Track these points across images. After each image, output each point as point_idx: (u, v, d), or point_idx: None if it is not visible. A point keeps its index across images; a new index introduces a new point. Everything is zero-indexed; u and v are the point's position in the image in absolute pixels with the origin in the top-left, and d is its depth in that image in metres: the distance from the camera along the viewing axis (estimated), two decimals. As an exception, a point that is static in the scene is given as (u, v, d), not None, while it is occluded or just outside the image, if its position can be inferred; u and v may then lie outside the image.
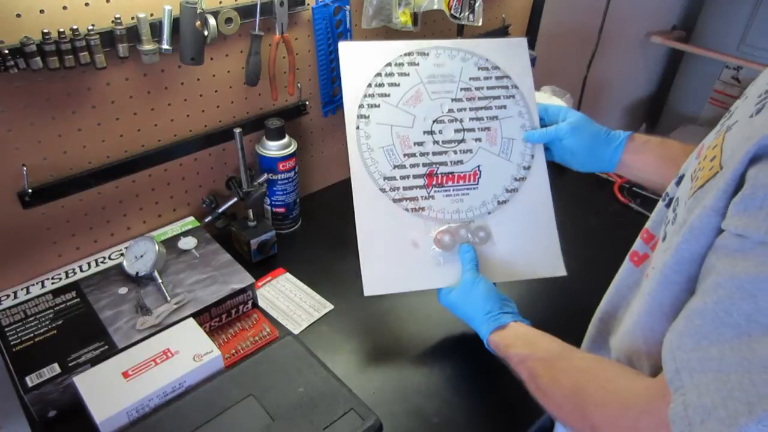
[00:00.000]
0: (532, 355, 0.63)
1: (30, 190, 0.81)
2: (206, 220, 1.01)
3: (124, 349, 0.75)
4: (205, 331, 0.79)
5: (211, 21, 0.86)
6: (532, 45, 1.52)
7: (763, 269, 0.38)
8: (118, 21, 0.78)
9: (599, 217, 1.18)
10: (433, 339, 0.88)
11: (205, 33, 0.85)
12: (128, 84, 0.86)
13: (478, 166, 0.83)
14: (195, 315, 0.82)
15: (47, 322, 0.79)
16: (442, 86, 0.85)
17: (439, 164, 0.82)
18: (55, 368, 0.72)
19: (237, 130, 0.91)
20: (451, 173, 0.82)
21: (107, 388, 0.69)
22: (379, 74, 0.83)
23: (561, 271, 0.83)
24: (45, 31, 0.72)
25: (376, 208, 0.79)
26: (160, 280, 0.86)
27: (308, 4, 1.00)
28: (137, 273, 0.86)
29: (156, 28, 0.82)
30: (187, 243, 0.95)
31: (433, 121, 0.83)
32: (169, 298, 0.84)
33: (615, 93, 2.29)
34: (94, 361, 0.73)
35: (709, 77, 2.27)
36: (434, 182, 0.82)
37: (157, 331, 0.78)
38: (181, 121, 0.95)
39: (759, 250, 0.38)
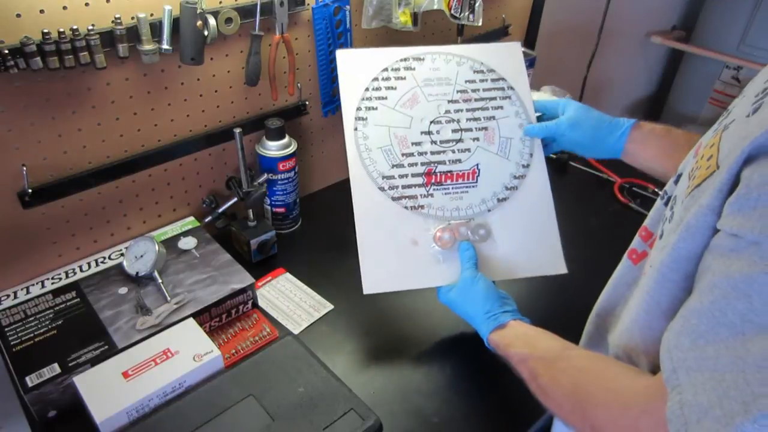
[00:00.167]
0: (532, 354, 0.63)
1: (30, 190, 0.81)
2: (206, 220, 1.01)
3: (124, 349, 0.75)
4: (205, 331, 0.79)
5: (211, 21, 0.86)
6: (532, 45, 1.52)
7: (756, 269, 0.38)
8: (118, 21, 0.78)
9: (599, 217, 1.18)
10: (433, 339, 0.88)
11: (205, 33, 0.85)
12: (128, 84, 0.86)
13: (477, 165, 0.83)
14: (195, 315, 0.82)
15: (47, 322, 0.79)
16: (438, 89, 0.86)
17: (437, 163, 0.82)
18: (55, 368, 0.72)
19: (237, 130, 0.91)
20: (450, 172, 0.83)
21: (107, 388, 0.69)
22: (376, 79, 0.85)
23: (562, 268, 0.83)
24: (45, 31, 0.72)
25: (375, 207, 0.79)
26: (160, 280, 0.86)
27: (308, 4, 1.00)
28: (137, 273, 0.86)
29: (156, 28, 0.82)
30: (187, 243, 0.95)
31: (431, 122, 0.84)
32: (169, 298, 0.84)
33: (615, 93, 2.29)
34: (94, 361, 0.73)
35: (709, 77, 2.27)
36: (433, 180, 0.82)
37: (157, 331, 0.78)
38: (181, 121, 0.95)
39: (753, 250, 0.38)
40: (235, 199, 1.00)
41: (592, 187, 1.28)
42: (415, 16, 1.11)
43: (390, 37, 1.16)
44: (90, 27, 0.75)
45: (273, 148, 1.01)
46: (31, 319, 0.80)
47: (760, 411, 0.36)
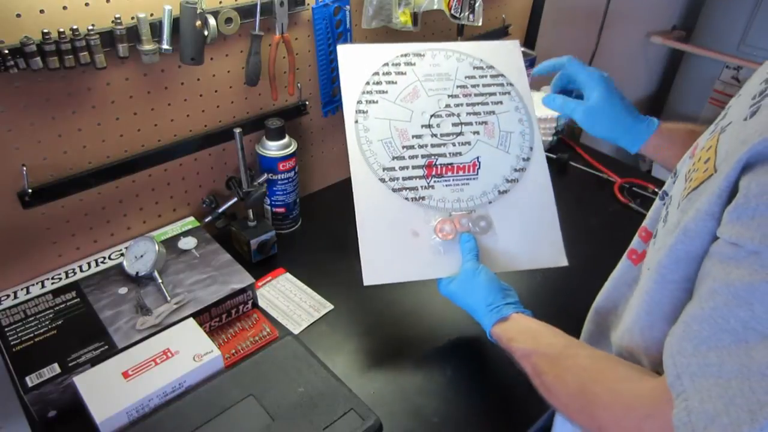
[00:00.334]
0: (536, 350, 0.62)
1: (30, 190, 0.81)
2: (206, 220, 1.01)
3: (124, 349, 0.75)
4: (205, 331, 0.79)
5: (211, 21, 0.86)
6: (532, 45, 1.52)
7: (757, 278, 0.38)
8: (118, 21, 0.78)
9: (599, 217, 1.18)
10: (433, 339, 0.88)
11: (205, 33, 0.85)
12: (128, 84, 0.86)
13: (477, 158, 0.84)
14: (195, 315, 0.82)
15: (47, 322, 0.79)
16: (438, 84, 0.86)
17: (437, 156, 0.83)
18: (55, 368, 0.72)
19: (237, 130, 0.91)
20: (451, 164, 0.83)
21: (107, 388, 0.69)
22: (376, 73, 0.85)
23: (562, 261, 0.82)
24: (45, 31, 0.72)
25: (375, 197, 0.79)
26: (160, 280, 0.86)
27: (308, 4, 1.00)
28: (137, 273, 0.86)
29: (156, 28, 0.82)
30: (187, 243, 0.95)
31: (431, 116, 0.84)
32: (169, 298, 0.84)
33: (615, 93, 2.29)
34: (94, 361, 0.73)
35: (709, 77, 2.27)
36: (434, 173, 0.82)
37: (157, 331, 0.78)
38: (181, 121, 0.95)
39: (753, 259, 0.39)
40: (235, 199, 1.00)
41: (592, 187, 1.28)
42: (415, 16, 1.11)
43: (390, 37, 1.16)
44: (90, 27, 0.75)
45: (273, 148, 1.01)
46: (31, 319, 0.80)
47: (767, 419, 0.36)
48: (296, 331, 0.88)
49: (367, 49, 0.87)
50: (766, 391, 0.37)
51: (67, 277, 0.88)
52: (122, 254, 0.92)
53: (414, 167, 0.82)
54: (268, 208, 1.07)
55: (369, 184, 0.80)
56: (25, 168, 0.80)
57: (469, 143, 0.84)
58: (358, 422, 0.67)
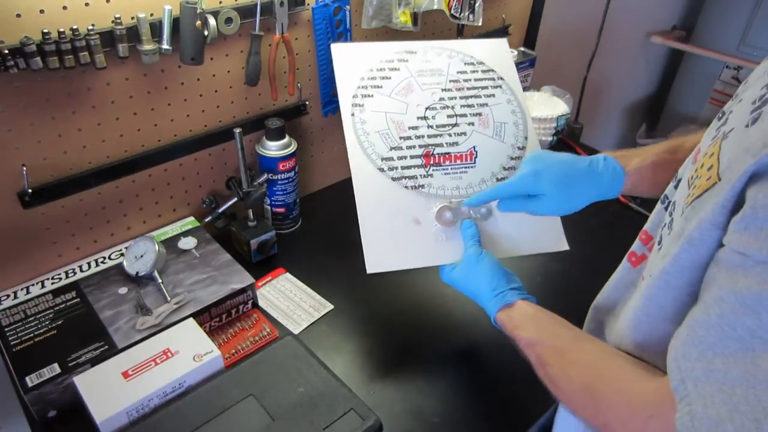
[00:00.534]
0: (541, 341, 0.61)
1: (30, 190, 0.81)
2: (206, 220, 1.01)
3: (124, 349, 0.75)
4: (205, 331, 0.79)
5: (211, 21, 0.86)
6: (532, 45, 1.52)
7: (764, 287, 0.38)
8: (118, 21, 0.78)
9: (599, 217, 1.18)
10: (434, 339, 0.88)
11: (205, 33, 0.85)
12: (128, 84, 0.86)
13: (474, 147, 0.85)
14: (195, 315, 0.82)
15: (47, 322, 0.79)
16: (431, 78, 0.89)
17: (435, 145, 0.84)
18: (55, 368, 0.72)
19: (237, 130, 0.91)
20: (448, 153, 0.84)
21: (107, 388, 0.69)
22: (370, 69, 0.88)
23: (563, 245, 0.82)
24: (45, 31, 0.72)
25: (375, 187, 0.80)
26: (160, 280, 0.86)
27: (308, 4, 1.00)
28: (137, 273, 0.86)
29: (156, 28, 0.82)
30: (187, 243, 0.95)
31: (426, 108, 0.86)
32: (169, 298, 0.84)
33: (615, 93, 2.29)
34: (94, 361, 0.73)
35: (709, 77, 2.27)
36: (432, 162, 0.83)
37: (157, 331, 0.78)
38: (181, 121, 0.95)
39: (760, 269, 0.39)
40: (235, 199, 1.00)
41: (592, 187, 1.28)
42: (415, 16, 1.11)
43: (390, 37, 1.16)
44: (90, 27, 0.75)
45: (273, 148, 1.01)
46: (31, 319, 0.80)
47: None
48: (296, 331, 0.88)
49: (360, 47, 0.90)
50: None
51: (67, 277, 0.88)
52: (122, 254, 0.92)
53: (412, 157, 0.83)
54: (268, 208, 1.07)
55: (368, 174, 0.80)
56: (25, 168, 0.80)
57: (464, 134, 0.86)
58: (358, 422, 0.67)
